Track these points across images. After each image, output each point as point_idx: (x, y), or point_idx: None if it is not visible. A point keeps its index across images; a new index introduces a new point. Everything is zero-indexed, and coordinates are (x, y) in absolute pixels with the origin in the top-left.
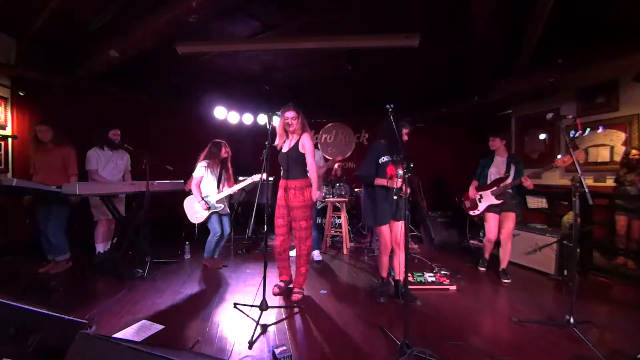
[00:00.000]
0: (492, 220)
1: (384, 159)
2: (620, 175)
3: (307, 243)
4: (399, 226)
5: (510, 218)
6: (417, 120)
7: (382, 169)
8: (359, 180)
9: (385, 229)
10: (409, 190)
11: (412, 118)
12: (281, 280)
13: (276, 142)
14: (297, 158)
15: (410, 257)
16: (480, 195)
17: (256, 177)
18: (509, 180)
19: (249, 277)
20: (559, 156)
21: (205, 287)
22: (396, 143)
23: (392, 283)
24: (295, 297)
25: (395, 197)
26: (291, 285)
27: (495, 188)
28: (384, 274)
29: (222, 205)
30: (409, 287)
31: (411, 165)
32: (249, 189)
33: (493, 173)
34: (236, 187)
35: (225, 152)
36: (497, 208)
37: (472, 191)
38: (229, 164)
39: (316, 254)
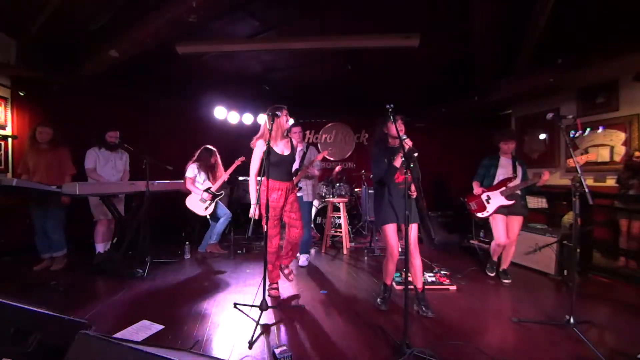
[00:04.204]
0: (500, 222)
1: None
2: (622, 178)
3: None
4: (409, 231)
5: (519, 222)
6: (416, 119)
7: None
8: (359, 180)
9: (390, 231)
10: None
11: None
12: (276, 282)
13: (266, 143)
14: (293, 159)
15: None
16: (488, 196)
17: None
18: (518, 180)
19: (249, 277)
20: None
21: (205, 287)
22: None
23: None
24: (293, 277)
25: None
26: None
27: (504, 188)
28: (389, 282)
29: (223, 192)
30: (409, 287)
31: (411, 165)
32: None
33: (501, 174)
34: (227, 173)
35: (214, 159)
36: (505, 210)
37: (477, 191)
38: (217, 170)
39: (302, 260)
